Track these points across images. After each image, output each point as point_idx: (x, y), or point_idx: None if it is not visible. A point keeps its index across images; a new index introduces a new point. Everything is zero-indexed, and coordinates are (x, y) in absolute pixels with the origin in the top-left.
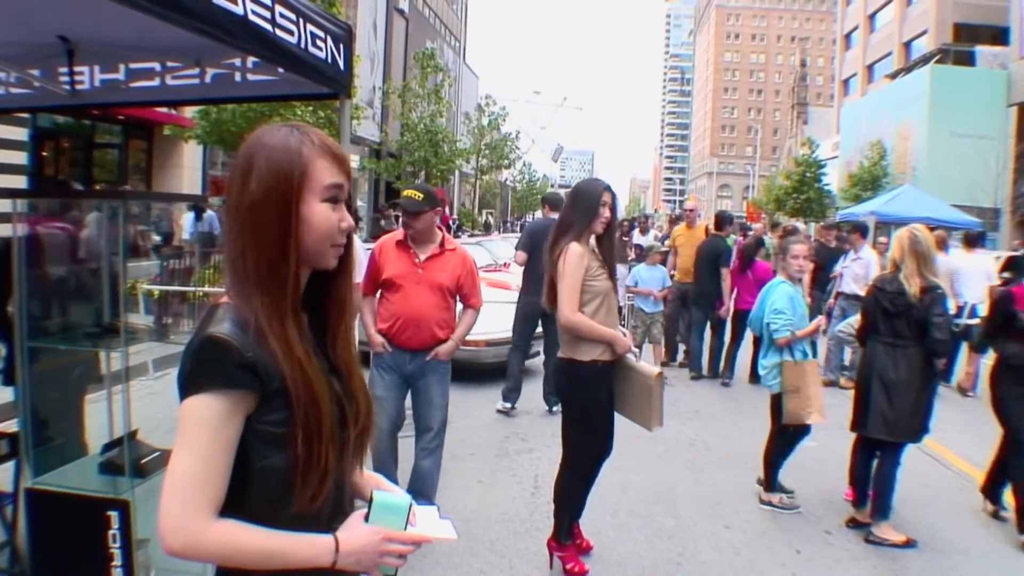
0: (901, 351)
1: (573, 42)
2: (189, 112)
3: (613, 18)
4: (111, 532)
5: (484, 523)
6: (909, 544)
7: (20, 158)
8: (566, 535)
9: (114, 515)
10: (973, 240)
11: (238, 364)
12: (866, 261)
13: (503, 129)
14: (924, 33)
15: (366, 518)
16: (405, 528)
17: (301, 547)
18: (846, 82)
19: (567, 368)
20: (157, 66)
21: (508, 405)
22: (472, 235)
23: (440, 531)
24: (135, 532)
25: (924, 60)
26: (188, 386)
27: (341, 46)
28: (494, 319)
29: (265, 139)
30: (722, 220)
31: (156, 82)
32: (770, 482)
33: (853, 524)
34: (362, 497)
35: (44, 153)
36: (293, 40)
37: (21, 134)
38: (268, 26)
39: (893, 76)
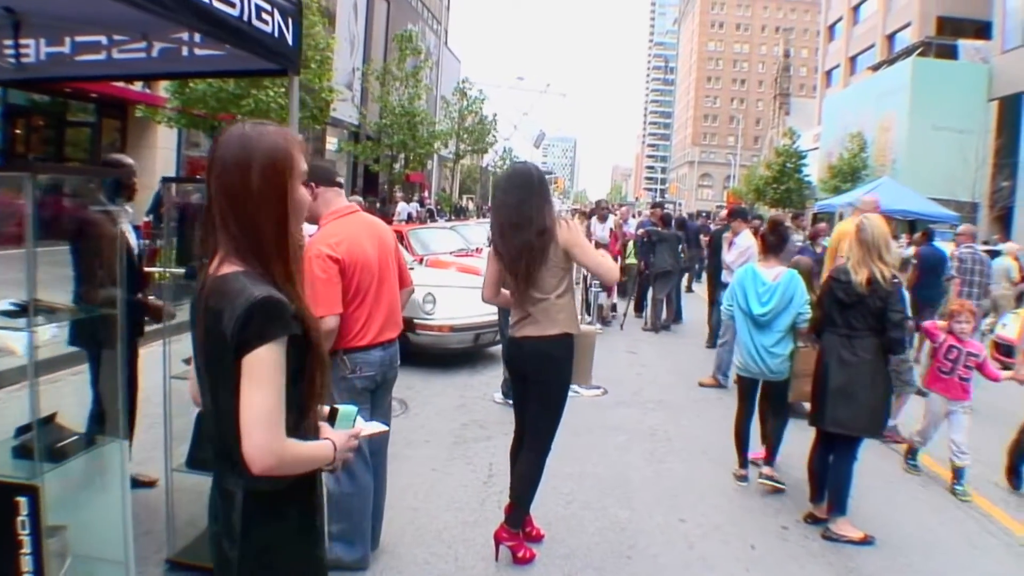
0: (857, 341)
1: (558, 29)
2: (162, 90)
3: (598, 5)
4: (20, 519)
5: (433, 512)
6: (867, 541)
7: None
8: (520, 523)
9: (23, 501)
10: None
11: (292, 315)
12: (743, 248)
13: (482, 112)
14: (908, 26)
15: (331, 424)
16: (353, 428)
17: (322, 451)
18: (829, 73)
19: (565, 345)
20: (103, 39)
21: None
22: (448, 219)
23: (374, 428)
24: (45, 518)
25: (907, 52)
26: (257, 339)
27: (290, 20)
28: (459, 304)
29: (258, 140)
30: (739, 213)
31: (102, 56)
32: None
33: (811, 520)
34: None
35: (17, 131)
36: (235, 12)
37: None
38: None
39: (876, 68)
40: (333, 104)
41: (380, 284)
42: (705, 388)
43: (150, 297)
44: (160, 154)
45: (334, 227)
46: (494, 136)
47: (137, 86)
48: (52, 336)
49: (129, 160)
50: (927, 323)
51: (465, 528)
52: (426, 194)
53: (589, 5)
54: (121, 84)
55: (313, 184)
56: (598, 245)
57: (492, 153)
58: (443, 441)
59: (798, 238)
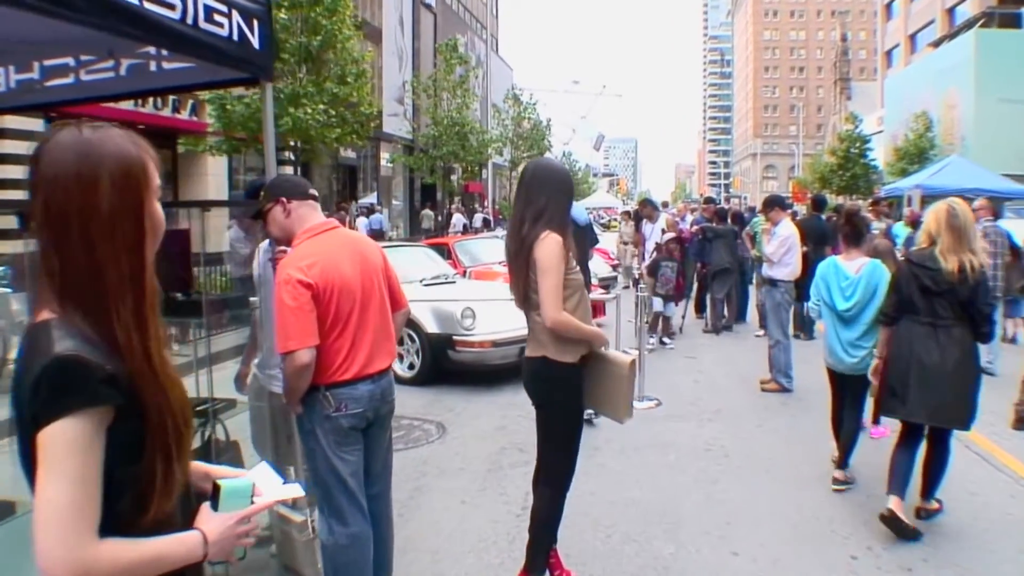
0: (944, 331)
1: (611, 30)
2: (207, 117)
3: (650, 3)
4: None
5: (456, 553)
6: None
7: None
8: (542, 568)
9: None
10: None
11: (101, 379)
12: (783, 237)
13: (535, 117)
14: None
15: (214, 507)
16: (250, 505)
17: (176, 548)
18: (889, 54)
19: (548, 369)
20: (71, 61)
21: None
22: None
23: (284, 493)
24: None
25: (968, 25)
26: (48, 412)
27: (256, 22)
28: (501, 318)
29: (103, 146)
30: (819, 203)
31: (71, 79)
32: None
33: (887, 515)
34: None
35: None
36: (174, 15)
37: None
38: None
39: (936, 44)
40: (375, 118)
41: (364, 309)
42: (768, 393)
43: None
44: (211, 181)
45: (307, 247)
46: (548, 142)
47: (184, 114)
48: None
49: None
50: None
51: (488, 572)
52: (485, 204)
53: (641, 4)
54: (168, 114)
55: (285, 199)
56: (658, 247)
57: (551, 157)
58: (478, 469)
59: (878, 225)
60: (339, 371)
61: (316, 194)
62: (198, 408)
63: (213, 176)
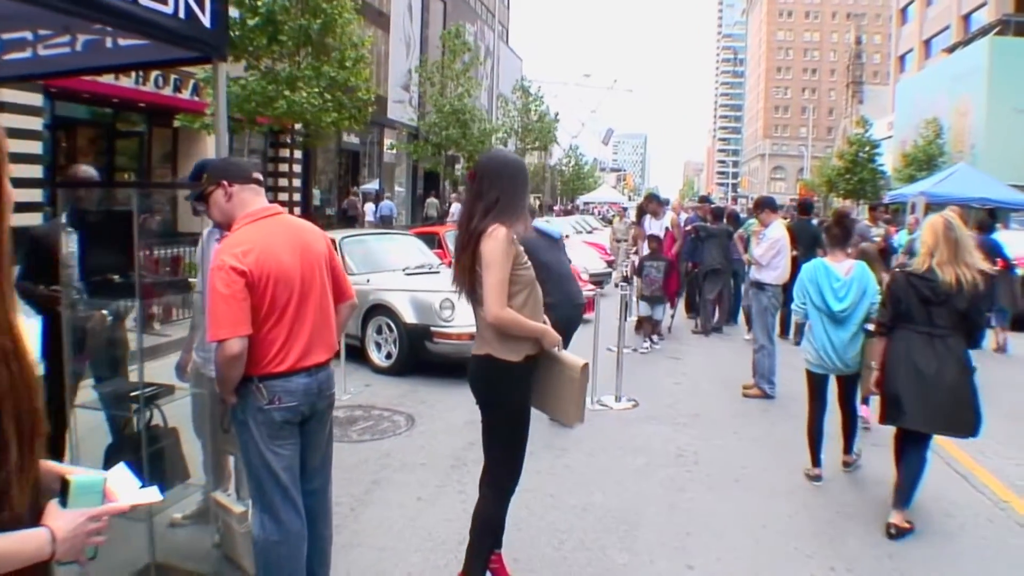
0: (940, 341)
1: (625, 24)
2: (207, 96)
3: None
4: None
5: (403, 552)
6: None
7: (36, 147)
8: (481, 572)
9: None
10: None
11: None
12: (773, 239)
13: (543, 109)
14: (984, 5)
15: (63, 503)
16: (102, 504)
17: (21, 545)
18: (902, 58)
19: (491, 368)
20: (29, 35)
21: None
22: None
23: (140, 497)
24: None
25: (983, 32)
26: None
27: (207, 0)
28: None
29: None
30: (806, 207)
31: (29, 53)
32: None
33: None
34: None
35: (63, 144)
36: None
37: (36, 123)
38: None
39: (951, 50)
40: (373, 104)
41: (303, 299)
42: (749, 399)
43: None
44: None
45: (245, 233)
46: (554, 135)
47: (185, 94)
48: None
49: (91, 172)
50: None
51: (433, 573)
52: None
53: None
54: (169, 93)
55: (226, 182)
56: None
57: (559, 150)
58: (440, 464)
59: (877, 232)
60: (273, 362)
61: (260, 178)
62: (131, 394)
63: (213, 155)
